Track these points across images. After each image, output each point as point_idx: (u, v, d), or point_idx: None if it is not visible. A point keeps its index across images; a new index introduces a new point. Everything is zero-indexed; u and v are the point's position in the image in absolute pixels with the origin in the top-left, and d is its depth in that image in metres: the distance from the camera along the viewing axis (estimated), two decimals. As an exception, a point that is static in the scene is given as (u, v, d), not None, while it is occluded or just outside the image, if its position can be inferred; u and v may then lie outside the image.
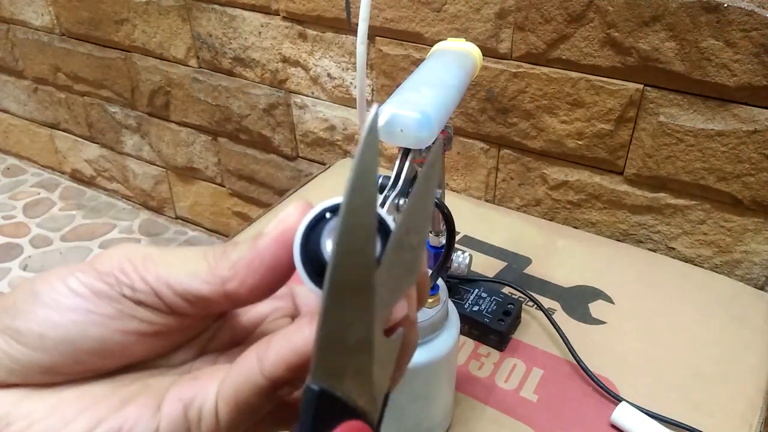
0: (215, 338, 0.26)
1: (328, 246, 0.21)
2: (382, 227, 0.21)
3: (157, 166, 1.32)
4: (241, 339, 0.26)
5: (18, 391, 0.21)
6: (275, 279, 0.22)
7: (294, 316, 0.27)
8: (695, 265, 0.75)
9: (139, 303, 0.22)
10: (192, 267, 0.22)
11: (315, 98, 0.98)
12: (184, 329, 0.24)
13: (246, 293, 0.22)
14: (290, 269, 0.22)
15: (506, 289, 0.68)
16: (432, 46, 0.55)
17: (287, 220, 0.22)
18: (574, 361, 0.59)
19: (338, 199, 0.21)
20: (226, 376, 0.22)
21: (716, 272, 0.73)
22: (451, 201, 0.83)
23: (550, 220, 0.84)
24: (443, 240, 0.59)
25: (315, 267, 0.21)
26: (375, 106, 0.20)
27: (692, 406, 0.56)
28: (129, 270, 0.22)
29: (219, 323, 0.26)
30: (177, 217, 1.39)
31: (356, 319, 0.19)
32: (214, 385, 0.22)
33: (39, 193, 1.53)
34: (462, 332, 0.62)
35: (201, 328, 0.25)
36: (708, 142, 0.68)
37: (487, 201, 0.89)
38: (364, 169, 0.18)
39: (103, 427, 0.21)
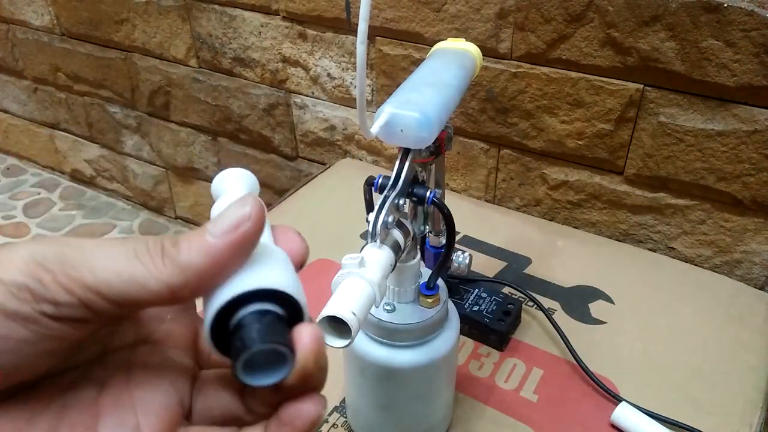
0: (112, 345, 0.24)
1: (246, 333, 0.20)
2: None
3: (157, 166, 1.32)
4: (145, 339, 0.25)
5: None
6: (225, 280, 0.20)
7: (191, 307, 0.26)
8: (695, 265, 0.75)
9: (60, 319, 0.19)
10: (127, 271, 0.19)
11: (315, 98, 0.98)
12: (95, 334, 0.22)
13: (196, 296, 0.20)
14: (239, 268, 0.20)
15: (506, 289, 0.68)
16: (432, 46, 0.55)
17: (245, 226, 0.20)
18: (574, 361, 0.59)
19: (256, 283, 0.20)
20: None
21: (716, 272, 0.73)
22: (451, 201, 0.82)
23: (550, 220, 0.84)
24: (443, 240, 0.59)
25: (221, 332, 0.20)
26: None
27: (692, 406, 0.56)
28: (47, 280, 0.18)
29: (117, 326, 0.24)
30: (177, 217, 1.39)
31: None
32: None
33: (39, 193, 1.53)
34: (462, 332, 0.62)
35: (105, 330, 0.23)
36: (708, 142, 0.68)
37: (487, 201, 0.89)
38: None
39: None
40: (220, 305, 0.20)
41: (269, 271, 0.21)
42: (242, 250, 0.20)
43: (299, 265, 0.24)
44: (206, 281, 0.20)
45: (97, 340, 0.23)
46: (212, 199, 0.28)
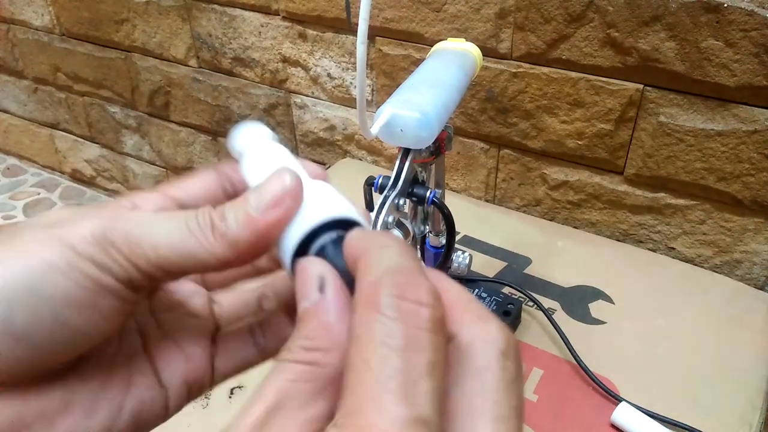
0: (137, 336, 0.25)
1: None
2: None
3: (157, 166, 1.32)
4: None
5: None
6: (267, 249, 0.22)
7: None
8: (695, 265, 0.75)
9: (129, 288, 0.21)
10: (182, 246, 0.21)
11: (315, 98, 0.98)
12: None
13: (241, 264, 0.22)
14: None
15: (506, 289, 0.68)
16: (432, 46, 0.55)
17: (285, 204, 0.21)
18: (574, 361, 0.59)
19: (339, 210, 0.21)
20: None
21: (716, 272, 0.73)
22: (451, 201, 0.82)
23: (550, 220, 0.84)
24: (443, 240, 0.59)
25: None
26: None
27: (692, 406, 0.56)
28: (118, 257, 0.20)
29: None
30: (177, 217, 1.39)
31: None
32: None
33: (39, 193, 1.53)
34: (462, 332, 0.62)
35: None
36: (708, 142, 0.68)
37: (487, 201, 0.89)
38: None
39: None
40: (299, 238, 0.21)
41: (329, 201, 0.22)
42: (284, 222, 0.21)
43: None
44: (254, 251, 0.21)
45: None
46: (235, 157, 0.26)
